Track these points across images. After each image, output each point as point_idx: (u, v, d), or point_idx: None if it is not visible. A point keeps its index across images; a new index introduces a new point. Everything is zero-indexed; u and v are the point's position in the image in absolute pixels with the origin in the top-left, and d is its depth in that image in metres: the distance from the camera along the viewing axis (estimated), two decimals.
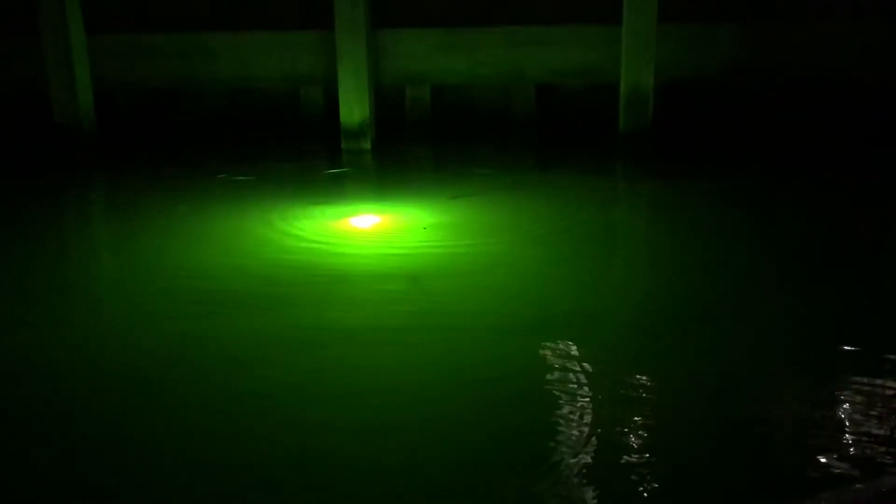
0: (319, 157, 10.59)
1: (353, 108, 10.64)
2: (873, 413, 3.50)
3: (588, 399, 3.68)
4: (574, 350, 4.21)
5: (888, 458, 3.16)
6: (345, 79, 10.62)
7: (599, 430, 3.38)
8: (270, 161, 10.16)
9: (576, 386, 3.80)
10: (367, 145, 10.71)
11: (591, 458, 3.18)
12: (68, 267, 6.18)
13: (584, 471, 3.09)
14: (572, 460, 3.14)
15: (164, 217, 7.45)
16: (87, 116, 10.47)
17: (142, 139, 11.86)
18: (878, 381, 3.78)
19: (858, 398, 3.64)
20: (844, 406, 3.60)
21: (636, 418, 3.48)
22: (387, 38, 11.58)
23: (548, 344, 4.28)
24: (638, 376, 3.86)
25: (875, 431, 3.36)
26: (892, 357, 4.07)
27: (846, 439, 3.31)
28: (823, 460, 3.16)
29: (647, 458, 3.19)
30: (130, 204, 8.20)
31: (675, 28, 10.94)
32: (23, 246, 6.59)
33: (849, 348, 4.23)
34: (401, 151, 10.92)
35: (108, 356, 4.31)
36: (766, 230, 6.77)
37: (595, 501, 2.92)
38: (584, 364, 4.02)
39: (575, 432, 3.36)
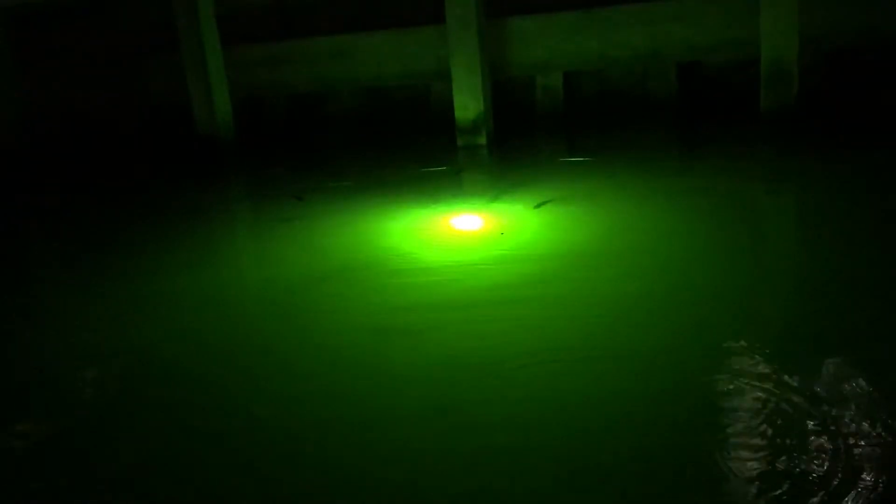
0: (435, 155, 10.42)
1: (468, 102, 10.38)
2: None
3: None
4: None
5: None
6: (457, 73, 10.39)
7: None
8: (394, 160, 10.21)
9: None
10: (483, 140, 10.41)
11: None
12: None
13: None
14: None
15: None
16: (225, 126, 11.11)
17: (281, 145, 12.43)
18: None
19: None
20: None
21: None
22: (510, 27, 11.18)
23: None
24: None
25: None
26: None
27: None
28: None
29: None
30: (211, 216, 8.43)
31: None
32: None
33: None
34: (521, 146, 10.48)
35: None
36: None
37: None
38: None
39: None
